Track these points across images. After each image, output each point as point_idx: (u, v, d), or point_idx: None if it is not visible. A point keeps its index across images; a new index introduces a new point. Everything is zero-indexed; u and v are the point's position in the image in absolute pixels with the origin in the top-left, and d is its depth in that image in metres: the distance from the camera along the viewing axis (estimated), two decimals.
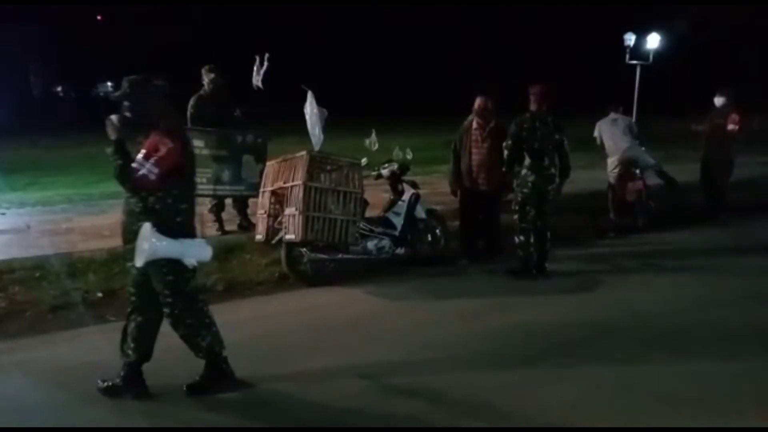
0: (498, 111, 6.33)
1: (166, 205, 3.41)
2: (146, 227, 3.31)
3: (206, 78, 6.90)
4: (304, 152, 5.40)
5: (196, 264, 3.49)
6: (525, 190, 5.79)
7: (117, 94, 3.50)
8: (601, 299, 5.30)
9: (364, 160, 5.89)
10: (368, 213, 6.16)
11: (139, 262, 3.35)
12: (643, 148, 7.76)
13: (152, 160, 3.29)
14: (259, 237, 5.92)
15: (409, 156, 6.29)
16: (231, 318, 4.91)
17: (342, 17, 30.82)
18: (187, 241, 3.44)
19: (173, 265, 3.42)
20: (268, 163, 6.01)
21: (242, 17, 30.60)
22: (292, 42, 25.93)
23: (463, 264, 6.26)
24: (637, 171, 7.60)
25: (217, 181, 6.48)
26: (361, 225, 5.74)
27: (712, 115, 8.07)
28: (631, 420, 3.31)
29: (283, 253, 5.61)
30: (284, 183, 5.49)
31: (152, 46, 28.34)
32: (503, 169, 5.98)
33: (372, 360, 4.08)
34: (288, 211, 5.34)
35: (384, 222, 6.08)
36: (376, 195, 6.74)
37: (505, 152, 5.85)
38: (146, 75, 3.55)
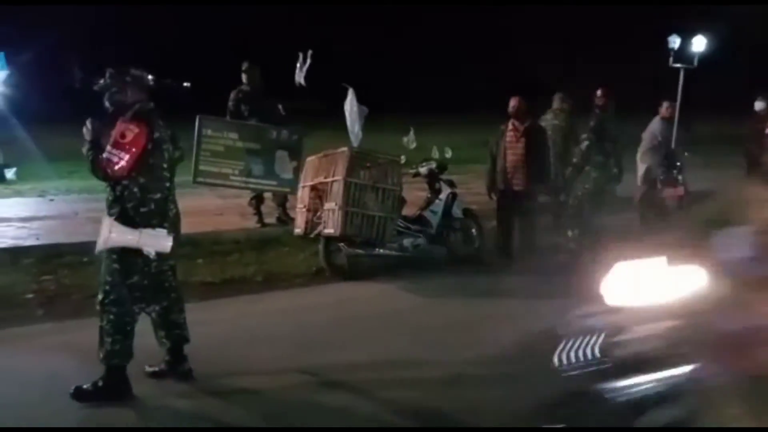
0: (534, 112, 6.35)
1: (132, 193, 3.42)
2: (106, 217, 3.41)
3: (245, 74, 7.06)
4: (345, 148, 5.49)
5: (153, 254, 3.44)
6: (587, 186, 5.86)
7: (99, 84, 3.56)
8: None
9: (402, 158, 5.94)
10: (404, 211, 6.22)
11: (97, 249, 3.42)
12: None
13: (120, 147, 3.31)
14: (297, 231, 6.02)
15: (448, 155, 6.33)
16: (270, 308, 5.08)
17: (385, 16, 30.98)
18: (147, 231, 3.42)
19: (125, 256, 3.44)
20: (308, 159, 6.09)
21: (286, 15, 31.00)
22: (334, 40, 26.15)
23: (498, 264, 6.26)
24: (680, 177, 7.48)
25: (248, 174, 6.60)
26: (398, 222, 5.79)
27: (751, 120, 7.93)
28: None
29: (321, 247, 5.71)
30: (324, 178, 5.58)
31: (191, 41, 28.84)
32: (574, 159, 6.04)
33: (405, 354, 4.13)
34: (328, 206, 5.43)
35: (420, 220, 6.13)
36: (411, 193, 6.78)
37: (585, 143, 5.88)
38: (126, 66, 3.60)
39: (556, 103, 7.33)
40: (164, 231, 3.47)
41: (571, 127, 7.02)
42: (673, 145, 7.73)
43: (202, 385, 3.67)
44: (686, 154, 7.98)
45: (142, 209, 3.44)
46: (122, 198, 3.43)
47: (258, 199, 7.16)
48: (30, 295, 5.09)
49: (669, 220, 7.47)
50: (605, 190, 5.91)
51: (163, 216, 3.53)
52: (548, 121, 7.10)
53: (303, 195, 5.98)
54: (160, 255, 3.47)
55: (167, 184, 3.59)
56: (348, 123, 6.31)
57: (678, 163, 7.61)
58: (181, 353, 3.72)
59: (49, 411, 3.35)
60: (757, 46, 24.03)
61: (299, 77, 6.40)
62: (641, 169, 7.60)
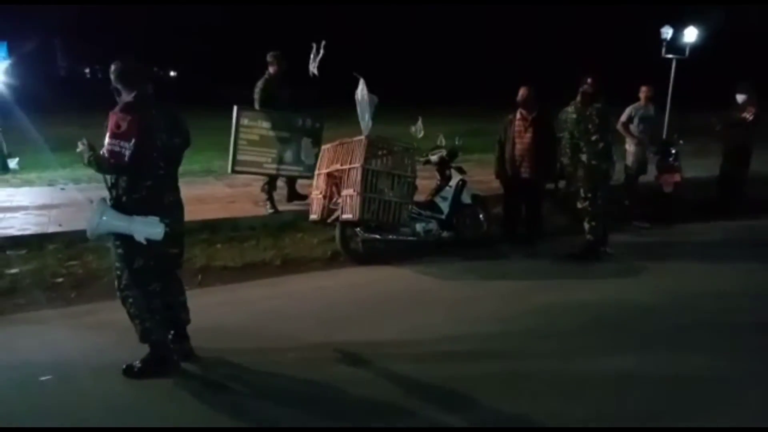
0: (541, 101, 6.57)
1: (123, 180, 3.50)
2: (99, 201, 3.50)
3: (274, 63, 7.15)
4: (362, 137, 5.68)
5: (144, 241, 3.50)
6: (599, 177, 6.01)
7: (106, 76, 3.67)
8: (637, 284, 5.54)
9: (414, 146, 6.15)
10: (415, 197, 6.43)
11: (88, 233, 3.54)
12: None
13: (120, 137, 3.37)
14: (313, 216, 6.23)
15: (459, 143, 6.55)
16: (289, 290, 5.31)
17: (394, 8, 31.15)
18: (138, 218, 3.48)
19: (125, 239, 3.52)
20: (324, 147, 6.31)
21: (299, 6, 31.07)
22: (346, 31, 26.28)
23: (505, 248, 6.52)
24: (676, 163, 7.78)
25: (280, 161, 6.88)
26: (410, 207, 6.02)
27: (732, 109, 8.21)
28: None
29: (337, 232, 5.92)
30: (341, 165, 5.78)
31: (187, 30, 28.73)
32: (593, 161, 6.03)
33: (423, 330, 4.39)
34: (345, 192, 5.64)
35: (431, 206, 6.37)
36: (418, 180, 7.00)
37: (601, 144, 5.95)
38: (131, 58, 3.64)
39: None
40: (156, 219, 3.51)
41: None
42: (665, 134, 8.05)
43: (233, 360, 3.88)
44: (681, 141, 8.31)
45: (134, 196, 3.51)
46: (116, 185, 3.52)
47: (270, 186, 7.36)
48: (60, 279, 5.28)
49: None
50: (611, 178, 6.17)
51: (156, 203, 3.57)
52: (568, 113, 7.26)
53: (319, 182, 6.19)
54: (150, 242, 3.51)
55: (161, 172, 3.60)
56: (359, 112, 6.50)
57: (674, 150, 7.92)
58: (183, 333, 3.87)
59: (103, 389, 3.55)
60: (748, 35, 24.36)
61: (313, 67, 6.59)
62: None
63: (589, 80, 6.04)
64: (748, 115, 7.89)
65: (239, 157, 6.79)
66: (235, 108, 6.65)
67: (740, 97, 8.10)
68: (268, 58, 7.19)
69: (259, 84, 7.10)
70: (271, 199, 7.39)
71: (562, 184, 7.01)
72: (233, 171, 7.00)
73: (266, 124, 6.69)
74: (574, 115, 5.99)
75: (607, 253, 6.23)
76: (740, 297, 5.20)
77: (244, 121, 6.68)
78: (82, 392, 3.53)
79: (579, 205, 6.16)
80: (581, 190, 6.10)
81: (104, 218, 3.47)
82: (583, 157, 5.97)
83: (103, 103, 3.80)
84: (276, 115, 6.81)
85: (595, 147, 5.93)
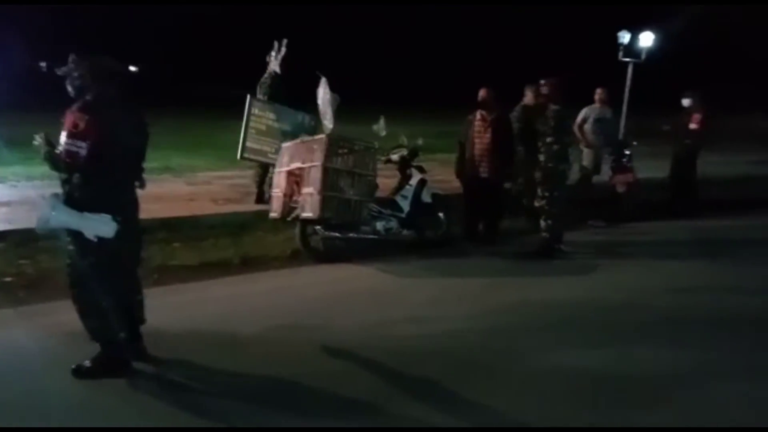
0: (501, 102, 6.69)
1: (78, 178, 3.43)
2: (50, 196, 3.42)
3: (277, 59, 7.46)
4: (323, 135, 5.67)
5: (94, 238, 3.43)
6: (556, 178, 6.14)
7: (63, 69, 3.53)
8: (591, 281, 5.69)
9: (376, 145, 6.17)
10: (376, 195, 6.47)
11: (37, 227, 3.46)
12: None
13: (77, 137, 3.32)
14: (273, 214, 6.20)
15: (420, 142, 6.60)
16: (249, 289, 5.27)
17: (356, 10, 31.19)
18: (89, 215, 3.42)
19: (78, 236, 3.45)
20: (284, 145, 6.28)
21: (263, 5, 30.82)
22: (307, 29, 26.16)
23: (465, 246, 6.61)
24: (630, 164, 8.01)
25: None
26: (371, 206, 6.05)
27: (680, 115, 8.55)
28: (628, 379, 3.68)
29: (297, 230, 5.91)
30: (302, 163, 5.77)
31: (146, 25, 28.22)
32: (549, 163, 6.17)
33: (384, 329, 4.41)
34: (306, 190, 5.63)
35: (392, 204, 6.40)
36: (379, 179, 7.03)
37: (555, 147, 6.09)
38: (92, 53, 3.56)
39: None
40: (108, 217, 3.45)
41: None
42: (621, 135, 8.29)
43: (191, 359, 3.82)
44: (635, 143, 8.56)
45: (87, 193, 3.45)
46: (69, 180, 3.45)
47: (261, 178, 7.34)
48: (9, 279, 5.13)
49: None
50: (567, 178, 6.32)
51: (110, 201, 3.51)
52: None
53: (279, 180, 6.17)
54: (102, 239, 3.44)
55: (118, 171, 3.56)
56: (320, 110, 6.49)
57: (627, 152, 8.15)
58: (137, 333, 3.79)
59: (52, 389, 3.47)
60: (710, 42, 25.15)
61: (274, 65, 6.55)
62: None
63: (542, 81, 6.19)
64: (695, 125, 8.21)
65: (248, 144, 6.83)
66: (248, 97, 6.62)
67: (686, 102, 8.46)
68: (267, 58, 7.60)
69: (267, 79, 7.47)
70: (259, 191, 7.38)
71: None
72: (242, 157, 7.04)
73: (272, 116, 6.79)
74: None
75: (563, 251, 6.37)
76: (691, 292, 5.38)
77: (255, 110, 6.74)
78: (31, 394, 3.43)
79: (536, 204, 6.29)
80: (539, 190, 6.22)
81: (54, 213, 3.38)
82: (541, 158, 6.09)
83: (59, 98, 3.71)
84: (281, 109, 6.88)
85: (550, 148, 6.06)
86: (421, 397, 3.50)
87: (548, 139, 6.07)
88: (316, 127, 7.03)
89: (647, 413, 3.39)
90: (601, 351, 4.15)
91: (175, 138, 10.21)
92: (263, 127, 6.74)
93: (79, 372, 3.58)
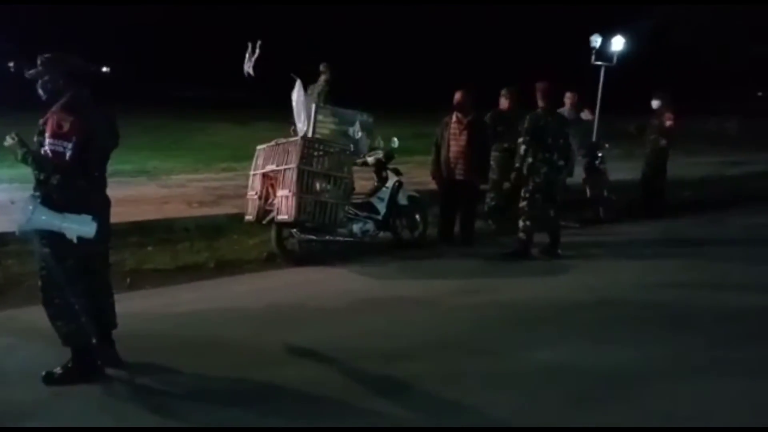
0: (476, 105, 6.75)
1: (57, 179, 3.38)
2: (28, 197, 3.38)
3: (325, 72, 9.28)
4: (298, 137, 5.66)
5: (75, 239, 3.40)
6: (537, 180, 6.18)
7: (31, 72, 3.48)
8: (564, 282, 5.74)
9: (351, 147, 6.18)
10: (352, 198, 6.46)
11: (17, 230, 3.42)
12: None
13: (61, 137, 3.30)
14: (248, 218, 6.16)
15: (395, 145, 6.62)
16: (224, 292, 5.23)
17: (334, 13, 31.21)
18: (70, 216, 3.38)
19: (54, 238, 3.40)
20: (259, 147, 6.25)
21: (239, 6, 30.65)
22: (283, 31, 26.12)
23: (441, 248, 6.64)
24: (602, 166, 8.13)
25: None
26: (347, 209, 6.05)
27: (650, 116, 8.72)
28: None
29: (273, 233, 5.87)
30: (277, 166, 5.74)
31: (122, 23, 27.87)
32: (516, 164, 6.26)
33: (360, 331, 4.40)
34: (281, 192, 5.60)
35: (368, 206, 6.40)
36: (356, 181, 7.03)
37: (522, 147, 6.15)
38: (61, 53, 3.51)
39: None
40: (89, 217, 3.43)
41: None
42: (594, 137, 8.42)
43: (165, 364, 3.77)
44: (606, 146, 8.70)
45: (66, 194, 3.41)
46: (45, 182, 3.39)
47: None
48: None
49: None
50: (556, 181, 6.32)
51: (88, 202, 3.48)
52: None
53: (254, 182, 6.13)
54: (82, 240, 3.41)
55: (96, 173, 3.56)
56: (294, 113, 6.48)
57: (600, 154, 8.28)
58: (109, 338, 3.74)
59: (21, 398, 3.39)
60: (678, 46, 25.60)
61: (248, 67, 6.52)
62: None
63: (537, 93, 6.26)
64: (668, 122, 8.36)
65: None
66: (313, 105, 6.50)
67: (655, 103, 8.63)
68: (321, 67, 9.32)
69: (318, 89, 8.96)
70: None
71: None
72: None
73: (335, 119, 6.66)
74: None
75: (558, 254, 6.41)
76: (663, 290, 5.48)
77: (320, 117, 6.60)
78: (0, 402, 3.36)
79: (519, 205, 6.35)
80: (522, 191, 6.29)
81: (35, 215, 3.33)
82: (528, 160, 6.16)
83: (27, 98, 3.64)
84: (342, 112, 6.80)
85: (519, 150, 6.17)
86: (394, 398, 3.50)
87: (519, 140, 6.18)
88: (373, 124, 7.06)
89: (627, 407, 3.45)
90: (576, 347, 4.21)
91: (150, 139, 10.09)
92: (327, 131, 6.69)
93: (49, 379, 3.51)
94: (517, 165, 6.24)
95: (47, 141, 3.32)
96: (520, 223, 6.32)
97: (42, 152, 3.35)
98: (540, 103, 6.22)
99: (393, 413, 3.34)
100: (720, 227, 8.17)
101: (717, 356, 4.15)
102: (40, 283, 3.54)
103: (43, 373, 3.51)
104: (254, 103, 19.46)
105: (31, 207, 3.33)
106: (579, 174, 8.40)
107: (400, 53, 31.05)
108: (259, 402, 3.42)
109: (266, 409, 3.34)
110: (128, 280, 5.27)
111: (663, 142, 8.50)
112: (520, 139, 6.19)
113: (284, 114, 7.33)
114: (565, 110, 8.33)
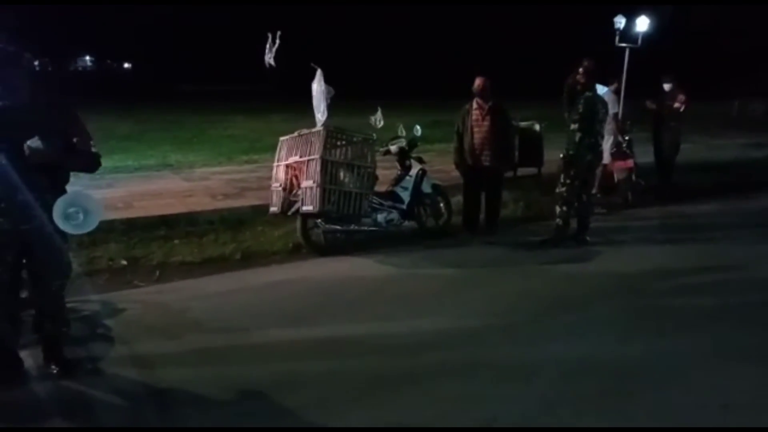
0: (496, 91, 6.66)
1: (64, 179, 3.45)
2: (77, 192, 3.37)
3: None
4: (321, 128, 5.64)
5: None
6: (581, 166, 6.06)
7: None
8: (590, 270, 5.62)
9: (374, 136, 6.14)
10: (375, 187, 6.43)
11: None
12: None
13: (90, 137, 3.42)
14: (273, 209, 6.16)
15: (418, 133, 6.56)
16: (250, 283, 5.24)
17: (348, 6, 31.18)
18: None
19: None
20: (282, 138, 6.24)
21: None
22: (304, 22, 26.14)
23: (466, 237, 6.59)
24: (628, 150, 7.99)
25: None
26: (371, 198, 6.02)
27: (661, 97, 8.59)
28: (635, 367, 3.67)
29: (298, 224, 5.88)
30: (300, 157, 5.73)
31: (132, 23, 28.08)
32: (570, 151, 6.06)
33: (385, 321, 4.40)
34: (305, 183, 5.59)
35: (392, 196, 6.38)
36: (378, 170, 7.00)
37: (578, 135, 5.98)
38: (17, 49, 3.32)
39: None
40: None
41: None
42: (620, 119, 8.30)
43: (197, 355, 3.83)
44: (633, 129, 8.54)
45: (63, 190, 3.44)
46: (61, 180, 3.42)
47: None
48: None
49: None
50: (595, 167, 6.29)
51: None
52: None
53: (278, 173, 6.13)
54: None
55: None
56: (314, 103, 6.45)
57: (627, 137, 8.12)
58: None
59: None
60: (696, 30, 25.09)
61: (269, 58, 6.48)
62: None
63: (580, 69, 6.08)
64: (679, 105, 8.26)
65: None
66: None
67: (667, 86, 8.53)
68: None
69: None
70: None
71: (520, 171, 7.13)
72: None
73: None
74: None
75: (586, 241, 6.31)
76: (692, 277, 5.36)
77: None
78: None
79: (557, 190, 6.26)
80: (561, 176, 6.19)
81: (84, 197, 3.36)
82: (564, 145, 6.04)
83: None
84: None
85: (573, 136, 6.01)
86: (415, 390, 3.45)
87: (572, 126, 6.03)
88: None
89: (650, 398, 3.38)
90: (600, 340, 4.13)
91: (170, 134, 10.18)
92: None
93: None
94: (571, 152, 6.03)
95: (91, 142, 3.47)
96: (557, 209, 6.23)
97: (93, 150, 3.45)
98: (581, 80, 6.03)
99: (412, 404, 3.31)
100: (747, 211, 7.98)
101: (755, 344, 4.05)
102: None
103: None
104: (268, 96, 19.44)
105: (80, 195, 3.37)
106: (606, 158, 8.28)
107: (411, 42, 30.88)
108: (282, 394, 3.38)
109: (289, 402, 3.30)
110: (157, 272, 5.33)
111: (673, 123, 8.46)
112: (575, 125, 6.00)
113: (297, 106, 7.32)
114: (608, 95, 8.17)
